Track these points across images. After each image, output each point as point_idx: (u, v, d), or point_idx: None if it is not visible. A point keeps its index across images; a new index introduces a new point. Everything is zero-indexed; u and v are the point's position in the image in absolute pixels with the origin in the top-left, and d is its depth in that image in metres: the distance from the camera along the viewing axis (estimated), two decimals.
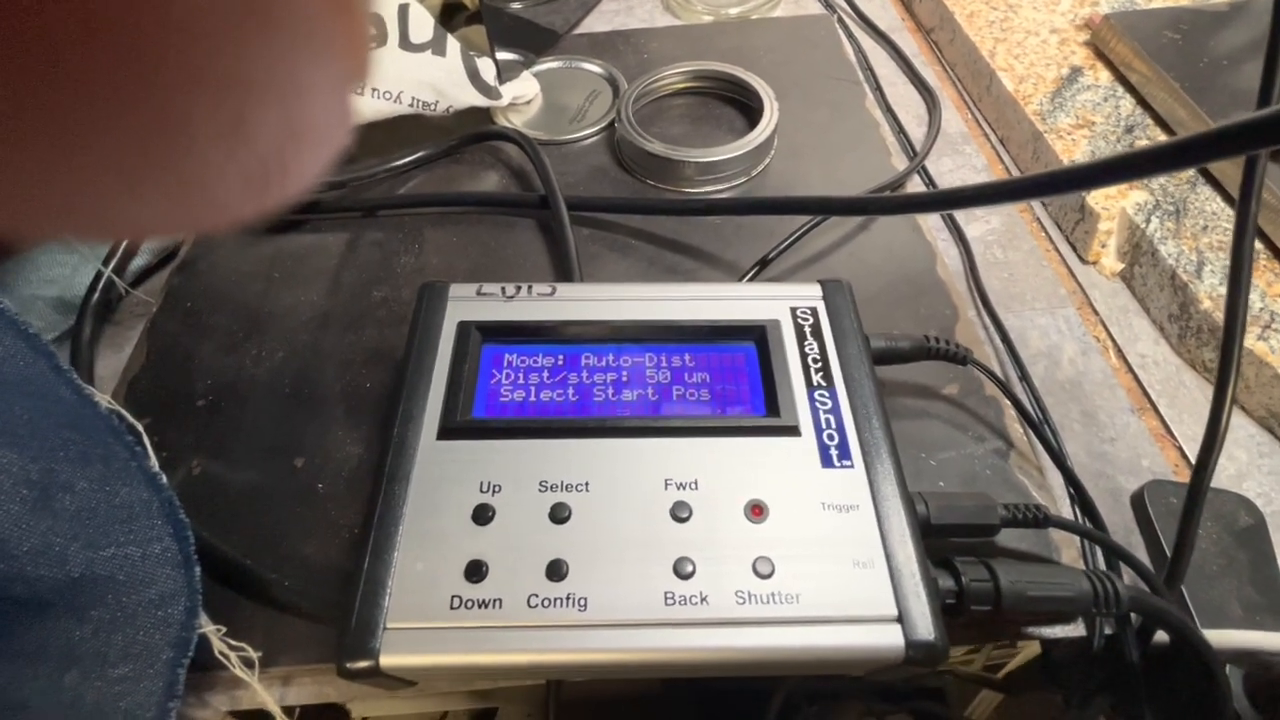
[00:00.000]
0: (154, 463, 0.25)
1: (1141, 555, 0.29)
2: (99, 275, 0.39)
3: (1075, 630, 0.28)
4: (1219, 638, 0.26)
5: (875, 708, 0.46)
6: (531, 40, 0.53)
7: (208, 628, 0.25)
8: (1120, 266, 0.40)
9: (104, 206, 0.09)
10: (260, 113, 0.09)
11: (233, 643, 0.26)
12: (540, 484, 0.25)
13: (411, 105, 0.43)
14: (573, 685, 0.27)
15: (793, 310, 0.30)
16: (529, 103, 0.49)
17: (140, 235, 0.40)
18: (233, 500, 0.31)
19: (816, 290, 0.31)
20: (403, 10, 0.42)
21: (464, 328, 0.29)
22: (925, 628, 0.22)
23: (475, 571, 0.23)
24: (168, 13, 0.07)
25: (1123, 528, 0.31)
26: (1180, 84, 0.42)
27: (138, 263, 0.42)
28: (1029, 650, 0.33)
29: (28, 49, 0.07)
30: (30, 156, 0.08)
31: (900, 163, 0.45)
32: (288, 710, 0.34)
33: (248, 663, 0.26)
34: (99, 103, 0.07)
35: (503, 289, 0.31)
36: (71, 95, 0.07)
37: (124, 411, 0.27)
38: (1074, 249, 0.41)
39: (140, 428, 0.27)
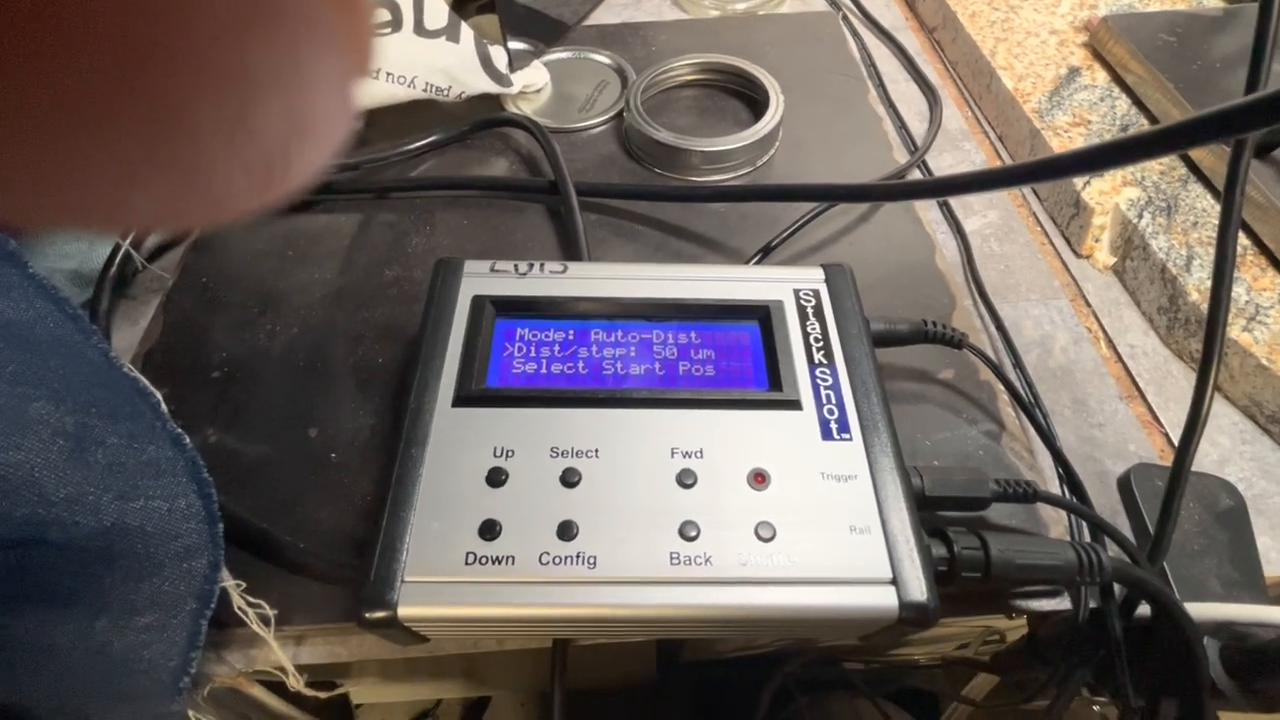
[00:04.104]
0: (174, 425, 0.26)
1: (1127, 535, 0.30)
2: (116, 249, 0.40)
3: (1061, 604, 0.29)
4: (1198, 610, 0.27)
5: (865, 694, 0.47)
6: (542, 31, 0.54)
7: (228, 582, 0.26)
8: (1113, 260, 0.41)
9: (108, 200, 0.09)
10: (263, 106, 0.09)
11: (251, 599, 0.27)
12: (551, 450, 0.26)
13: (425, 90, 0.44)
14: (572, 670, 0.28)
15: (796, 292, 0.31)
16: (539, 91, 0.50)
17: (144, 228, 0.40)
18: (247, 467, 0.32)
19: (819, 274, 0.32)
20: None
21: (478, 302, 0.30)
22: (919, 589, 0.23)
23: (489, 530, 0.24)
24: (171, 6, 0.07)
25: (1109, 510, 0.32)
26: (1174, 85, 0.43)
27: (154, 238, 0.42)
28: (1017, 633, 0.35)
29: (30, 42, 0.07)
30: (33, 150, 0.08)
31: (901, 157, 0.46)
32: (297, 699, 0.35)
33: (264, 620, 0.27)
34: (102, 96, 0.07)
35: (515, 266, 0.32)
36: (75, 89, 0.07)
37: (143, 378, 0.28)
38: (1068, 243, 0.43)
39: (159, 395, 0.28)
